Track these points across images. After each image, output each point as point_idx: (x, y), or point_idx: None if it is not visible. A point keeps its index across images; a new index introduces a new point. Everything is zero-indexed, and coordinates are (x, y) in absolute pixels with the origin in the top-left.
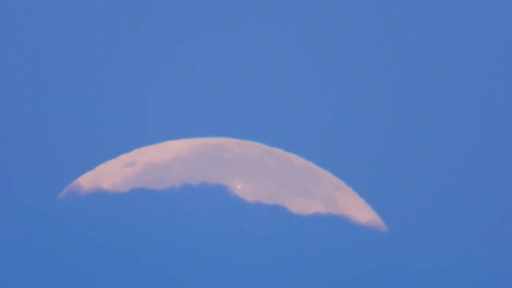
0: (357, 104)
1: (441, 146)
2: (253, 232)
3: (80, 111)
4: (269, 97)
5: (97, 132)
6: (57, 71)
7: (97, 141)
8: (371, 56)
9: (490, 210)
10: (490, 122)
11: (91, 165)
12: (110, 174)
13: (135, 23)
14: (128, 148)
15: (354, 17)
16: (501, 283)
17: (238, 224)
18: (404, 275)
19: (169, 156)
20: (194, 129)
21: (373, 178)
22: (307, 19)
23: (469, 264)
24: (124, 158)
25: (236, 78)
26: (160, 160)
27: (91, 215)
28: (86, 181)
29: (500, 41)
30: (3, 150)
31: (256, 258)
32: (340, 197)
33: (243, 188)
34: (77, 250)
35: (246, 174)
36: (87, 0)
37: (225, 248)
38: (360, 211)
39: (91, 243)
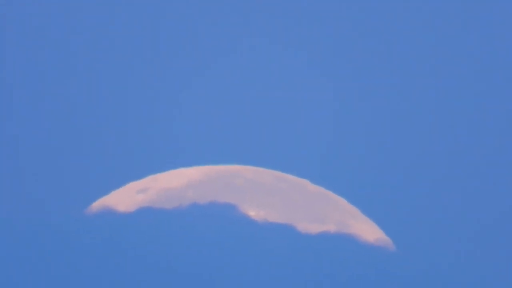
0: (360, 129)
1: (449, 166)
2: (261, 249)
3: (96, 140)
4: (285, 125)
5: (111, 159)
6: (83, 97)
7: (111, 167)
8: (388, 85)
9: (500, 229)
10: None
11: (106, 190)
12: (123, 199)
13: (151, 52)
14: (141, 175)
15: (369, 41)
16: None
17: (247, 242)
18: None
19: (182, 182)
20: (208, 156)
21: (381, 200)
22: (327, 50)
23: (476, 280)
24: (137, 184)
25: (251, 106)
26: (172, 185)
27: (101, 233)
28: (100, 204)
29: (500, 41)
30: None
31: (265, 275)
32: (349, 218)
33: (256, 213)
34: (88, 263)
35: (258, 200)
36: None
37: (232, 265)
38: (368, 230)
39: (101, 258)
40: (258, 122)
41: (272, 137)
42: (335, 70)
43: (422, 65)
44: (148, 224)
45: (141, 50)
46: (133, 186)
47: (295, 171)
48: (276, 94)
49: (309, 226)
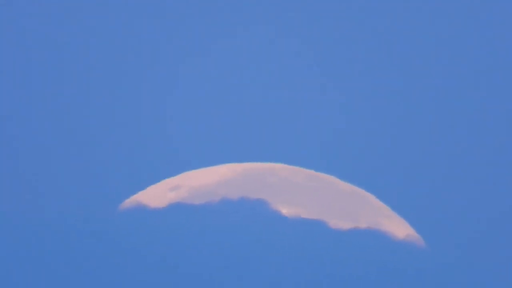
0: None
1: (477, 166)
2: (292, 245)
3: (130, 138)
4: (316, 123)
5: (145, 155)
6: (113, 100)
7: (146, 164)
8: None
9: None
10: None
11: (139, 187)
12: (155, 196)
13: (177, 59)
14: (174, 173)
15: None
16: None
17: (278, 237)
18: None
19: (213, 179)
20: (240, 154)
21: (410, 197)
22: (338, 57)
23: (505, 276)
24: (169, 182)
25: (284, 106)
26: (204, 183)
27: (133, 228)
28: (132, 201)
29: (500, 42)
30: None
31: (296, 271)
32: (379, 215)
33: (287, 210)
34: (118, 258)
35: (290, 197)
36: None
37: (263, 260)
38: (398, 227)
39: (133, 254)
40: (285, 121)
41: (300, 135)
42: (350, 71)
43: (433, 62)
44: (179, 220)
45: (157, 53)
46: (165, 183)
47: (324, 169)
48: (302, 95)
49: (340, 222)
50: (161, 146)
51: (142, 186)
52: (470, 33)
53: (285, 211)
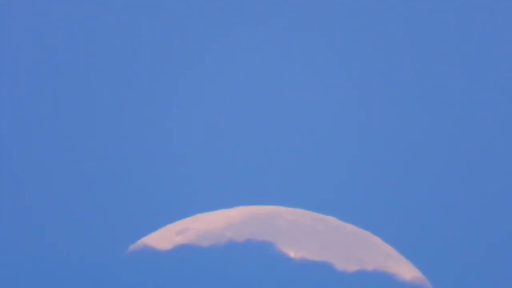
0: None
1: (484, 207)
2: (298, 287)
3: (136, 181)
4: (324, 166)
5: (152, 198)
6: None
7: (152, 207)
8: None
9: None
10: None
11: (147, 230)
12: (162, 239)
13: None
14: (181, 215)
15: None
16: None
17: (284, 279)
18: None
19: (221, 222)
20: (248, 197)
21: (418, 241)
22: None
23: None
24: (177, 225)
25: (290, 148)
26: (212, 226)
27: (139, 271)
28: (139, 244)
29: (500, 42)
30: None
31: None
32: (385, 258)
33: (293, 252)
34: None
35: (296, 239)
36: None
37: None
38: (405, 269)
39: None
40: (291, 164)
41: (308, 178)
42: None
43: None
44: (185, 262)
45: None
46: (172, 226)
47: (331, 212)
48: (310, 137)
49: (346, 264)
50: (170, 190)
51: (150, 230)
52: (471, 34)
53: (291, 253)
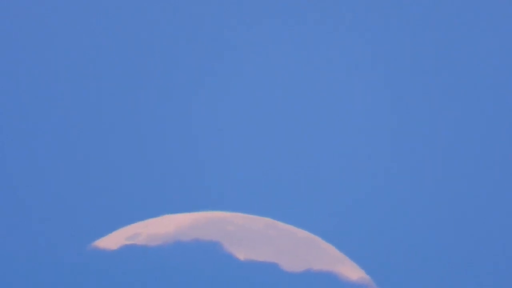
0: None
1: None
2: (243, 286)
3: (83, 187)
4: (276, 171)
5: (99, 205)
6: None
7: (98, 213)
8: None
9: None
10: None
11: (98, 235)
12: (111, 243)
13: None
14: (129, 221)
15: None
16: None
17: (229, 279)
18: None
19: (171, 226)
20: (198, 203)
21: (366, 246)
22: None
23: None
24: (126, 230)
25: (243, 154)
26: (161, 229)
27: (88, 272)
28: (90, 247)
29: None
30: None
31: None
32: (334, 262)
33: (240, 252)
34: None
35: (244, 241)
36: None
37: None
38: (351, 270)
39: None
40: (252, 167)
41: (263, 183)
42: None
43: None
44: (131, 262)
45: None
46: (122, 231)
47: (286, 218)
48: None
49: (293, 266)
50: (119, 195)
51: (101, 234)
52: (471, 34)
53: (238, 254)
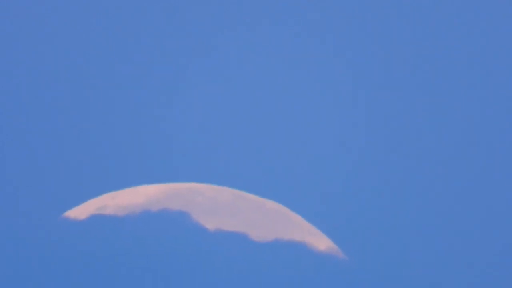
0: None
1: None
2: (211, 256)
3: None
4: (247, 143)
5: (71, 176)
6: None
7: (69, 186)
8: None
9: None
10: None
11: (64, 209)
12: (81, 213)
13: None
14: (98, 193)
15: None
16: None
17: (197, 248)
18: None
19: (140, 197)
20: (167, 175)
21: (334, 217)
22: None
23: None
24: (96, 201)
25: (217, 124)
26: (130, 200)
27: (60, 241)
28: (62, 217)
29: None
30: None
31: (215, 282)
32: (303, 232)
33: (209, 224)
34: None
35: (214, 212)
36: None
37: (181, 272)
38: (320, 240)
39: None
40: (222, 137)
41: (236, 155)
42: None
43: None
44: (99, 231)
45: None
46: (92, 202)
47: (254, 190)
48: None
49: (262, 236)
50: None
51: (73, 205)
52: (471, 35)
53: (206, 223)
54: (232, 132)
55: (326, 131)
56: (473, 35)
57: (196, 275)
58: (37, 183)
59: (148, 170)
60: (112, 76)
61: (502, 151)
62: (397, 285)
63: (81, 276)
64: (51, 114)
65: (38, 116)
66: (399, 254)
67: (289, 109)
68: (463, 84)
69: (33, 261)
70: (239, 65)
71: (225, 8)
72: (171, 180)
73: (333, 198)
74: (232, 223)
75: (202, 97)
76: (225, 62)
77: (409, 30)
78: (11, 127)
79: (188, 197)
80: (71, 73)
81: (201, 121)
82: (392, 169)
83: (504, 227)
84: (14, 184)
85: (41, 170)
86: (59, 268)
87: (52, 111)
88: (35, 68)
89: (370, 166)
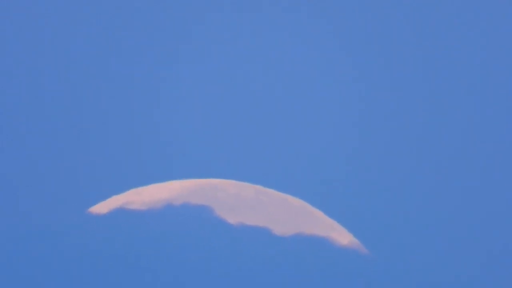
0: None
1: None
2: (234, 250)
3: (84, 157)
4: (269, 139)
5: (97, 173)
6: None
7: (93, 182)
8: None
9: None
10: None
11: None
12: (105, 208)
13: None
14: (124, 188)
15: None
16: None
17: (219, 241)
18: None
19: (164, 195)
20: (192, 171)
21: (356, 212)
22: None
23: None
24: (120, 197)
25: (239, 122)
26: (154, 195)
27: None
28: (87, 212)
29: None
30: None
31: (238, 276)
32: (324, 226)
33: (232, 218)
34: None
35: (236, 207)
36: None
37: (205, 268)
38: (341, 235)
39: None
40: (247, 135)
41: (256, 150)
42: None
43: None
44: (122, 225)
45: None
46: (116, 198)
47: (278, 186)
48: (262, 109)
49: (284, 230)
50: (113, 161)
51: (98, 200)
52: (472, 35)
53: (229, 218)
54: (255, 130)
55: (347, 128)
56: (473, 35)
57: (219, 269)
58: (63, 180)
59: (172, 167)
60: (131, 75)
61: (503, 149)
62: (418, 279)
63: (106, 270)
64: (78, 114)
65: (65, 116)
66: (420, 248)
67: (311, 106)
68: (463, 84)
69: (59, 255)
70: (254, 61)
71: (225, 8)
72: (194, 176)
73: (354, 193)
74: (254, 218)
75: (223, 94)
76: (237, 58)
77: (409, 30)
78: (38, 126)
79: (211, 193)
80: (92, 71)
81: (224, 120)
82: (414, 165)
83: None
84: (42, 180)
85: (66, 168)
86: (84, 262)
87: (76, 112)
88: (55, 69)
89: (391, 162)
